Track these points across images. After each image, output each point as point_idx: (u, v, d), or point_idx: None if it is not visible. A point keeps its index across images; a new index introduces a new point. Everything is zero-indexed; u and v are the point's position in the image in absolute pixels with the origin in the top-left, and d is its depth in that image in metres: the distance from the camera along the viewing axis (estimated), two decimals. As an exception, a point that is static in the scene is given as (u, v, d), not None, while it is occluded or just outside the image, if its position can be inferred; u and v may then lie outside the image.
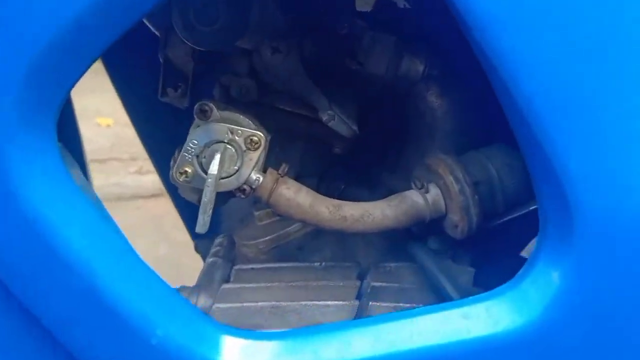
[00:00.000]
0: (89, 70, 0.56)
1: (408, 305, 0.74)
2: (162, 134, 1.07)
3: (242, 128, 0.70)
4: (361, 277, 0.79)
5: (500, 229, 0.78)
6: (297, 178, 0.80)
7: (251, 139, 0.70)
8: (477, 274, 0.79)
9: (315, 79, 0.77)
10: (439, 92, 0.80)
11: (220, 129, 0.70)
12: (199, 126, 0.71)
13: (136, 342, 0.54)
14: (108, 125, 3.35)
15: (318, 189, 0.84)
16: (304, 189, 0.73)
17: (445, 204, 0.72)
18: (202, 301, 0.77)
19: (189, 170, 0.70)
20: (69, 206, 0.52)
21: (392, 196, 0.74)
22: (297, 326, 0.73)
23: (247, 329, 0.62)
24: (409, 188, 0.76)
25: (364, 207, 0.72)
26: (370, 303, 0.74)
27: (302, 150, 0.81)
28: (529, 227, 0.79)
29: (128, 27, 0.55)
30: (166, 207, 1.24)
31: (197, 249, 1.04)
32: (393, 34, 0.79)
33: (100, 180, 2.83)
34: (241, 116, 0.71)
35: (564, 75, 0.54)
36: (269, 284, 0.77)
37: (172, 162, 0.75)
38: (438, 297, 0.75)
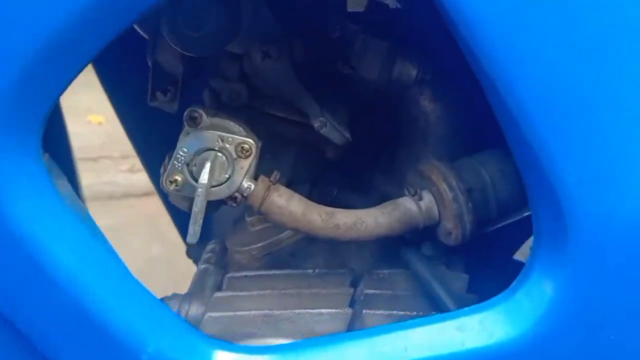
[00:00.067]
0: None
1: (402, 312, 0.73)
2: (153, 137, 1.05)
3: (232, 135, 0.69)
4: (354, 284, 0.78)
5: (494, 234, 0.77)
6: (289, 184, 0.79)
7: (242, 147, 0.69)
8: (471, 279, 0.79)
9: (306, 83, 0.76)
10: (432, 96, 0.79)
11: (210, 137, 0.69)
12: (188, 133, 0.70)
13: (126, 359, 0.54)
14: (99, 123, 3.33)
15: (311, 194, 0.83)
16: (296, 196, 0.72)
17: (439, 212, 0.71)
18: (194, 309, 0.76)
19: (179, 179, 0.69)
20: (54, 223, 0.51)
21: (385, 203, 0.73)
22: (290, 335, 0.72)
23: (239, 343, 0.62)
24: (403, 193, 0.75)
25: (357, 214, 0.72)
26: (364, 311, 0.73)
27: (294, 156, 0.80)
28: (523, 231, 0.79)
29: (116, 35, 0.54)
30: (159, 205, 1.22)
31: (188, 254, 1.03)
32: (385, 36, 0.78)
33: (92, 178, 2.81)
34: (232, 123, 0.70)
35: (557, 80, 0.53)
36: (261, 292, 0.76)
37: (162, 169, 0.74)
38: (432, 305, 0.74)
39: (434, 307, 0.73)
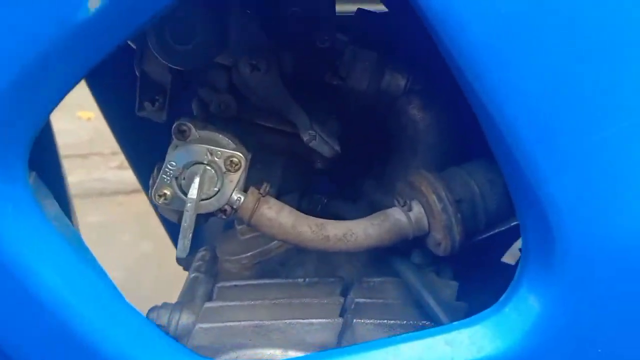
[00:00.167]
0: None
1: (392, 321, 0.74)
2: (142, 147, 1.05)
3: (221, 149, 0.69)
4: (345, 292, 0.78)
5: (483, 241, 0.78)
6: (279, 194, 0.79)
7: (231, 160, 0.69)
8: (460, 286, 0.79)
9: (295, 94, 0.75)
10: (421, 105, 0.79)
11: (199, 150, 0.69)
12: (177, 147, 0.69)
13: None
14: (89, 119, 3.30)
15: (300, 203, 0.83)
16: (287, 208, 0.72)
17: (428, 222, 0.71)
18: (185, 319, 0.76)
19: (168, 193, 0.69)
20: (41, 246, 0.51)
21: (375, 214, 0.73)
22: (281, 345, 0.72)
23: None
24: (392, 202, 0.76)
25: (347, 226, 0.72)
26: (355, 320, 0.73)
27: (283, 166, 0.80)
28: (511, 236, 0.79)
29: (107, 53, 0.54)
30: (149, 202, 1.22)
31: (178, 261, 1.03)
32: (374, 47, 0.77)
33: (82, 175, 2.80)
34: (220, 135, 0.70)
35: (543, 94, 0.53)
36: (252, 302, 0.76)
37: (150, 181, 0.74)
38: (422, 313, 0.74)
39: (424, 316, 0.74)
